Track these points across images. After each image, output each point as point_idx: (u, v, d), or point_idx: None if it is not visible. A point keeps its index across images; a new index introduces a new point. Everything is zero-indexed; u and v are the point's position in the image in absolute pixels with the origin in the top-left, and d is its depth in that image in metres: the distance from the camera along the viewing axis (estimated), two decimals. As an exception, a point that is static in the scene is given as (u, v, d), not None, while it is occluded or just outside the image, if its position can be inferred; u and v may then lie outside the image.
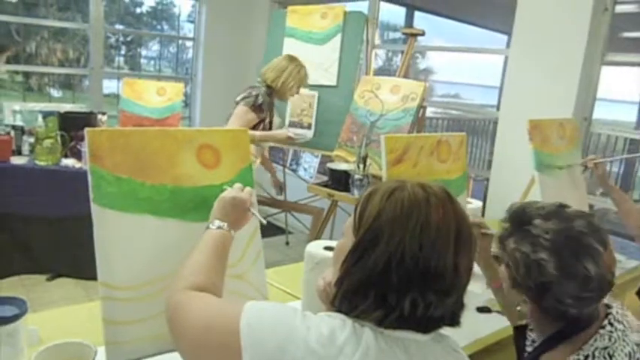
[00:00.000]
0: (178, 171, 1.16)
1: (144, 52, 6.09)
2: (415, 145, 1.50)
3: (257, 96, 2.77)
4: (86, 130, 1.06)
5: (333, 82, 3.15)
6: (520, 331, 1.13)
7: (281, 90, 2.81)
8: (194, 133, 1.21)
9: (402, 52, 3.08)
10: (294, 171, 4.29)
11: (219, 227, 1.05)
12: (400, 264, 0.72)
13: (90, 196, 1.05)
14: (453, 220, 0.76)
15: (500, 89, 8.14)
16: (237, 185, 1.14)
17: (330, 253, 1.22)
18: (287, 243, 4.19)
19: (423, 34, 2.89)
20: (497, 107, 8.17)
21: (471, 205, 1.85)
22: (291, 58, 2.83)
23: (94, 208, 1.05)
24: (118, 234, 1.07)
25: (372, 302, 0.74)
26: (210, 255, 0.99)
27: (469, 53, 3.43)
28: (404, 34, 3.00)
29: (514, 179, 2.65)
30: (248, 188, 1.14)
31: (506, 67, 7.08)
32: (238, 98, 2.79)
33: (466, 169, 1.72)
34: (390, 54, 7.19)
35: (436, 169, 1.58)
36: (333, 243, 1.28)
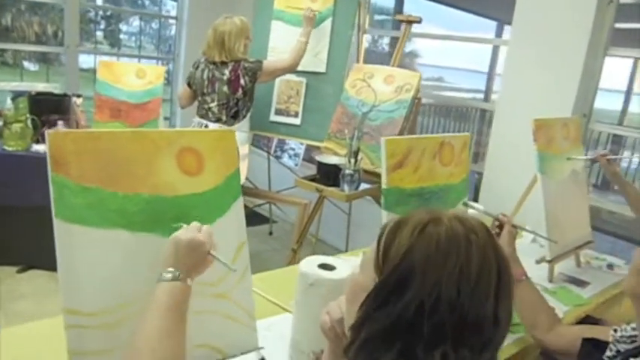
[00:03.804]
0: (156, 179, 1.02)
1: (124, 28, 5.85)
2: (417, 148, 1.38)
3: (252, 61, 2.79)
4: (47, 133, 0.91)
5: (322, 69, 3.00)
6: (592, 343, 1.08)
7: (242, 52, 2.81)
8: (174, 135, 1.07)
9: (391, 38, 2.94)
10: (278, 158, 4.16)
11: (173, 279, 0.89)
12: (433, 312, 0.61)
13: (52, 210, 0.91)
14: (494, 262, 0.65)
15: (489, 75, 8.01)
16: (194, 225, 0.96)
17: (325, 273, 1.10)
18: (270, 233, 4.07)
19: (419, 21, 2.74)
20: (485, 92, 8.02)
21: (472, 211, 1.74)
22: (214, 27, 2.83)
23: (57, 224, 0.92)
24: (86, 252, 0.94)
25: (396, 355, 0.63)
26: (166, 316, 0.85)
27: (463, 42, 3.29)
28: (399, 21, 2.85)
29: (511, 175, 2.56)
30: (206, 228, 0.97)
31: (495, 53, 6.94)
32: (247, 81, 2.77)
33: (468, 172, 1.61)
34: (376, 36, 7.02)
35: (438, 174, 1.47)
36: (327, 259, 1.16)
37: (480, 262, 0.63)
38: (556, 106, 2.49)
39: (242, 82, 2.75)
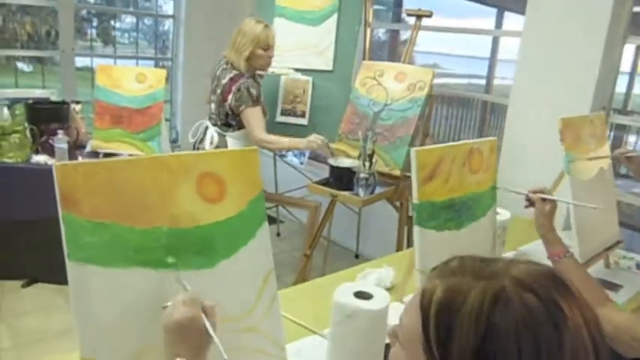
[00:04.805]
0: (175, 209, 0.94)
1: (118, 25, 5.74)
2: (447, 157, 1.30)
3: (248, 89, 2.48)
4: (54, 165, 0.83)
5: (329, 67, 2.91)
6: None
7: (247, 64, 2.56)
8: (192, 159, 0.98)
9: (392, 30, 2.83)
10: (282, 157, 4.06)
11: None
12: None
13: (64, 252, 0.83)
14: (589, 340, 0.52)
15: (490, 62, 7.84)
16: (180, 299, 0.82)
17: (364, 304, 1.01)
18: (278, 234, 3.98)
19: (430, 15, 2.64)
20: (487, 80, 7.80)
21: (500, 217, 1.66)
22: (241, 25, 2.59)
23: (71, 267, 0.83)
24: (103, 295, 0.85)
25: None
26: None
27: (473, 34, 3.19)
28: (409, 15, 2.75)
29: (528, 172, 2.47)
30: (191, 296, 0.83)
31: (496, 40, 6.78)
32: (232, 102, 2.51)
33: (496, 177, 1.53)
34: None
35: (467, 183, 1.39)
36: (361, 287, 1.08)
37: (574, 348, 0.51)
38: (574, 99, 2.40)
39: (230, 98, 2.52)
